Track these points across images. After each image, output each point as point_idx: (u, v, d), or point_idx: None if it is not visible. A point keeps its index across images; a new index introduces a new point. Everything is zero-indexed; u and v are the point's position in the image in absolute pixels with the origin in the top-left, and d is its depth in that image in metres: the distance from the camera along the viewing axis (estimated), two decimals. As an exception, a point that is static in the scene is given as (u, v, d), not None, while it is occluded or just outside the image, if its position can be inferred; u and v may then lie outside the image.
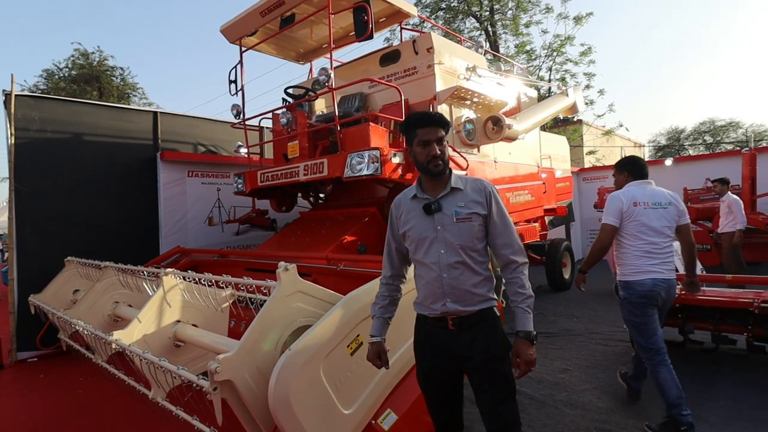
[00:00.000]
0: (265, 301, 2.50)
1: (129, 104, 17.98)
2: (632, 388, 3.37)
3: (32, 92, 15.26)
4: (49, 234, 5.13)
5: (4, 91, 5.03)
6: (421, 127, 1.86)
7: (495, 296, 1.89)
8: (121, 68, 19.83)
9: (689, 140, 33.69)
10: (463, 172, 4.05)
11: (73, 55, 18.62)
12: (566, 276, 7.55)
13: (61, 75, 18.69)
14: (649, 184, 3.07)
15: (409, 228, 1.88)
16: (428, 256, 1.84)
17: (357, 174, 3.91)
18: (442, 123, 1.87)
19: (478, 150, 5.13)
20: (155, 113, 6.28)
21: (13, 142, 4.95)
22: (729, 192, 6.80)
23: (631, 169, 3.16)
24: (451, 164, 4.02)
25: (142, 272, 3.53)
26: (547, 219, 7.32)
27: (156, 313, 2.82)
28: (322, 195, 5.86)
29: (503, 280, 1.92)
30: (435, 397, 1.96)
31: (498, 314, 1.89)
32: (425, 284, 1.87)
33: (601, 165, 16.66)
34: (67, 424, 3.41)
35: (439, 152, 1.83)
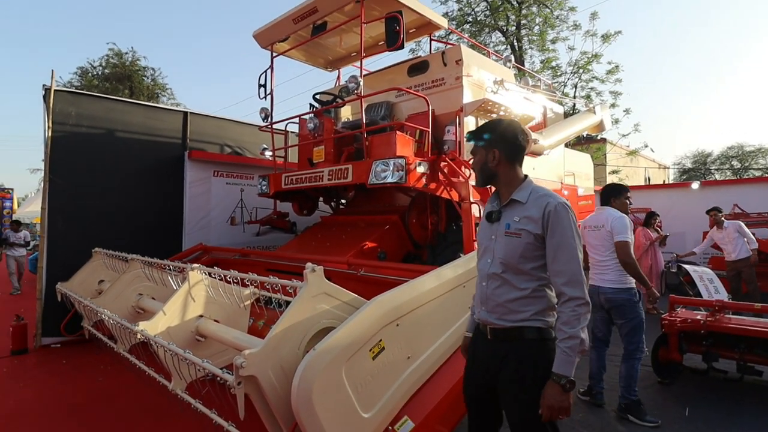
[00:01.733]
0: (286, 301, 2.54)
1: (158, 103, 18.43)
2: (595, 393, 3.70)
3: (67, 88, 15.77)
4: (78, 225, 5.29)
5: (44, 86, 5.22)
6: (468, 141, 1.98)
7: (545, 318, 1.75)
8: (153, 69, 20.41)
9: (716, 164, 33.00)
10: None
11: (107, 55, 19.26)
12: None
13: (95, 73, 19.30)
14: (603, 210, 3.67)
15: (478, 233, 2.00)
16: (480, 262, 1.91)
17: (381, 181, 3.93)
18: (473, 138, 1.91)
19: (502, 163, 5.12)
20: (185, 113, 6.43)
21: (50, 135, 5.12)
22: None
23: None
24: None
25: (168, 266, 3.61)
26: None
27: (180, 307, 2.88)
28: (343, 201, 5.91)
29: None
30: (468, 403, 1.97)
31: (547, 337, 1.73)
32: (476, 288, 1.94)
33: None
34: (86, 410, 3.48)
35: (473, 164, 1.93)
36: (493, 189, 1.94)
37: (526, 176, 1.87)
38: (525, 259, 1.73)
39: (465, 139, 2.01)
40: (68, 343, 5.06)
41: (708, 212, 6.91)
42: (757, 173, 28.51)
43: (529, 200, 1.77)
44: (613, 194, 3.69)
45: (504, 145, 1.84)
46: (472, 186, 3.85)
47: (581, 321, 1.62)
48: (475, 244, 3.52)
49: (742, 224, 6.46)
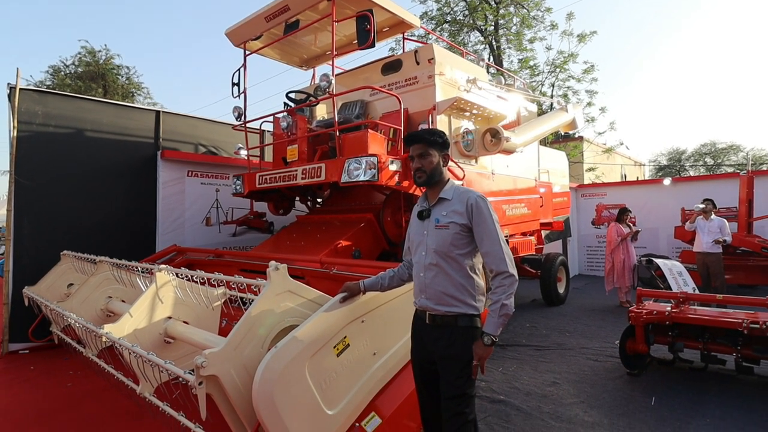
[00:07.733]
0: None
1: (133, 103, 18.06)
2: None
3: (38, 87, 15.33)
4: (46, 227, 5.16)
5: (9, 84, 5.08)
6: (410, 145, 2.11)
7: (475, 303, 1.99)
8: (127, 67, 19.95)
9: (690, 161, 33.84)
10: (459, 182, 4.09)
11: (79, 53, 18.77)
12: (561, 290, 7.55)
13: (67, 72, 18.81)
14: None
15: (409, 230, 2.21)
16: (416, 255, 2.12)
17: (354, 179, 3.94)
18: (424, 140, 2.06)
19: (476, 161, 5.18)
20: (158, 112, 6.32)
21: (15, 135, 4.99)
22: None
23: None
24: (449, 175, 4.14)
25: (136, 268, 3.55)
26: (543, 233, 7.36)
27: (147, 309, 2.84)
28: (319, 199, 5.90)
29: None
30: (418, 384, 2.16)
31: (475, 324, 1.98)
32: (414, 279, 2.14)
33: (601, 182, 16.73)
34: (54, 417, 3.40)
35: (420, 165, 2.06)
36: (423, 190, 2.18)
37: (448, 179, 2.14)
38: (454, 247, 1.98)
39: (408, 139, 2.11)
40: (36, 349, 4.94)
41: (703, 202, 7.08)
42: (730, 169, 29.31)
43: (454, 197, 2.05)
44: None
45: (447, 150, 2.12)
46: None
47: (507, 290, 1.90)
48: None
49: (726, 223, 6.67)
